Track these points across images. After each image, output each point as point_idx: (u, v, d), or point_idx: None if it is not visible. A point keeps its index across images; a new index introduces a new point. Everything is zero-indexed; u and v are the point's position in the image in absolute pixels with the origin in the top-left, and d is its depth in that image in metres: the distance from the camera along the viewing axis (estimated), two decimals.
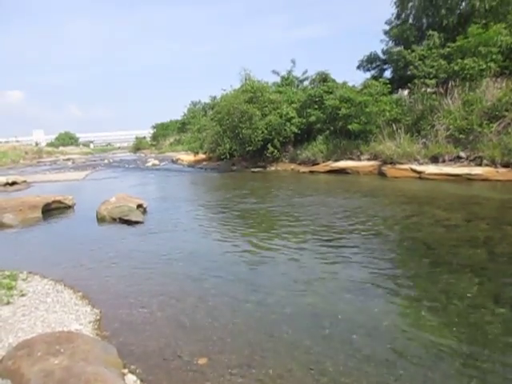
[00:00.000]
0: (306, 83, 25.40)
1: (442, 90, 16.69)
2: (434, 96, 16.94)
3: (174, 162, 32.51)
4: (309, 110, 20.56)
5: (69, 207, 11.24)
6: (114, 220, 9.24)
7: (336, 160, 18.61)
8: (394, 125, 17.17)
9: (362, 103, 17.90)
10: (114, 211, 9.35)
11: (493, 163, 13.48)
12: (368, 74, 22.28)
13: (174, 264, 6.08)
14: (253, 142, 21.35)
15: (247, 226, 8.66)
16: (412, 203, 9.99)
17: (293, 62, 25.92)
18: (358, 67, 22.32)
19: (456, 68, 16.05)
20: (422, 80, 17.01)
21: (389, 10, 37.12)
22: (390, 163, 16.03)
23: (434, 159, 15.18)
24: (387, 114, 17.50)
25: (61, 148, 69.41)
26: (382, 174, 15.89)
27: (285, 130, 20.87)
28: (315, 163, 19.44)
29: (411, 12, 19.87)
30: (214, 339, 3.79)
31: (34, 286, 5.25)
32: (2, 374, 2.86)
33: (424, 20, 19.68)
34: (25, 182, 19.14)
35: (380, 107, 17.53)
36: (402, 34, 19.74)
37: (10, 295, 4.82)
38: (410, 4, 19.56)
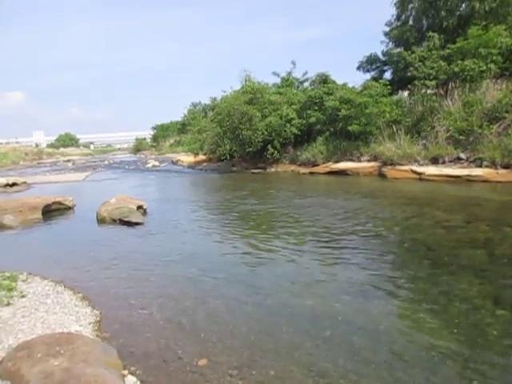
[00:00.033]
0: (306, 84, 25.41)
1: (442, 92, 16.71)
2: (434, 97, 16.94)
3: (174, 163, 32.50)
4: (309, 112, 20.56)
5: (69, 208, 11.24)
6: (114, 221, 9.24)
7: (336, 161, 18.60)
8: (394, 126, 17.17)
9: (362, 104, 17.91)
10: (114, 212, 9.35)
11: (493, 164, 13.48)
12: (368, 75, 22.31)
13: (173, 265, 6.08)
14: (253, 143, 21.36)
15: (247, 227, 8.66)
16: (412, 204, 9.99)
17: (293, 63, 25.96)
18: (358, 68, 22.35)
19: (456, 69, 16.06)
20: (422, 81, 17.01)
21: (389, 12, 37.14)
22: (390, 164, 16.03)
23: (434, 160, 15.18)
24: (387, 115, 17.50)
25: (61, 149, 69.47)
26: (382, 176, 15.89)
27: (285, 131, 20.88)
28: (315, 164, 19.45)
29: (411, 13, 19.88)
30: (213, 340, 3.79)
31: (34, 287, 5.25)
32: (2, 375, 2.86)
33: (424, 21, 19.69)
34: (25, 183, 19.15)
35: (380, 108, 17.53)
36: (402, 35, 19.76)
37: (10, 296, 4.82)
38: (410, 5, 19.58)
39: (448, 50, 16.70)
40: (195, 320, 4.23)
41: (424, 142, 16.11)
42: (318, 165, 19.28)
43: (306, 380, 3.16)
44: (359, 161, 17.97)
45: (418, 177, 14.45)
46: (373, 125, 17.88)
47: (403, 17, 20.25)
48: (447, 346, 3.50)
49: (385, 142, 16.99)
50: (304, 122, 20.78)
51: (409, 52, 18.24)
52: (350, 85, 21.37)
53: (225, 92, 25.33)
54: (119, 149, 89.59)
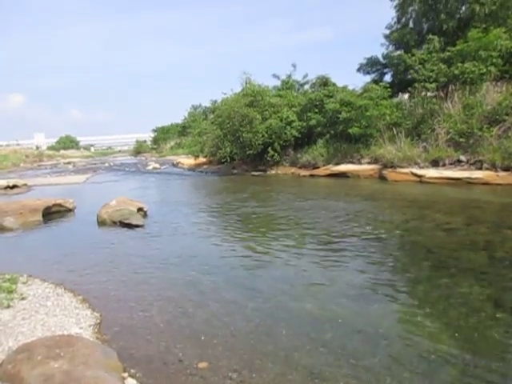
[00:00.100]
0: (306, 87, 25.44)
1: (442, 94, 16.73)
2: (434, 100, 16.97)
3: (175, 165, 32.52)
4: (309, 114, 20.58)
5: (69, 210, 11.25)
6: (114, 223, 9.24)
7: (336, 164, 18.60)
8: (394, 128, 17.19)
9: (362, 107, 17.92)
10: (115, 215, 9.35)
11: (493, 167, 13.49)
12: (368, 78, 22.31)
13: (173, 268, 6.08)
14: (253, 146, 21.36)
15: (247, 230, 8.66)
16: (412, 207, 9.99)
17: (293, 65, 26.00)
18: (358, 70, 22.37)
19: (456, 72, 16.08)
20: (422, 84, 17.03)
21: (389, 15, 37.18)
22: (391, 167, 16.04)
23: (435, 163, 15.19)
24: (387, 117, 17.51)
25: (61, 151, 69.52)
26: (382, 178, 15.90)
27: (285, 133, 20.89)
28: (315, 167, 19.45)
29: (411, 16, 19.93)
30: (214, 343, 3.79)
31: (35, 289, 5.25)
32: (2, 377, 2.86)
33: (424, 24, 19.74)
34: (25, 185, 19.15)
35: (380, 111, 17.54)
36: (402, 38, 19.79)
37: (11, 299, 4.82)
38: (411, 8, 19.62)
39: (448, 53, 16.73)
40: (195, 323, 4.23)
41: (424, 144, 16.12)
42: (318, 167, 19.28)
43: (306, 383, 3.15)
44: (360, 163, 17.97)
45: (418, 179, 14.46)
46: (373, 127, 17.90)
47: (403, 19, 20.29)
48: (447, 349, 3.50)
49: (385, 145, 17.00)
50: (304, 124, 20.80)
51: (409, 55, 18.27)
52: (351, 87, 21.43)
53: (225, 94, 25.37)
54: (120, 151, 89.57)
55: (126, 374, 3.27)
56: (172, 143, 54.01)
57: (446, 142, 15.47)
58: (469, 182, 13.05)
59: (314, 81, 23.95)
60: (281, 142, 21.19)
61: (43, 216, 10.20)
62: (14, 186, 18.44)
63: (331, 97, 20.00)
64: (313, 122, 20.23)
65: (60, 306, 4.69)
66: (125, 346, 3.80)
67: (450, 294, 4.60)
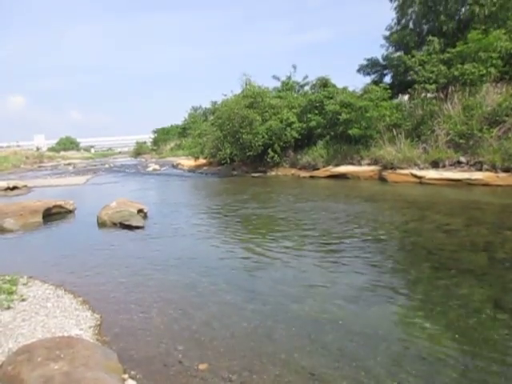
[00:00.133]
0: (306, 88, 25.47)
1: (442, 95, 16.74)
2: (434, 101, 16.99)
3: (175, 166, 32.52)
4: (309, 115, 20.59)
5: (70, 212, 11.25)
6: (114, 225, 9.24)
7: (336, 165, 18.61)
8: (394, 130, 17.21)
9: (362, 108, 17.93)
10: (115, 216, 9.35)
11: (493, 168, 13.50)
12: (368, 79, 22.34)
13: (173, 270, 6.08)
14: (253, 147, 21.37)
15: (247, 231, 8.66)
16: (412, 208, 10.00)
17: (294, 67, 26.03)
18: (358, 71, 22.39)
19: (456, 73, 16.09)
20: (422, 85, 17.05)
21: (389, 16, 37.26)
22: (391, 168, 16.05)
23: (435, 164, 15.20)
24: (387, 119, 17.53)
25: (62, 153, 69.51)
26: (382, 179, 15.90)
27: (285, 134, 20.90)
28: (315, 168, 19.45)
29: (411, 18, 19.96)
30: (214, 345, 3.79)
31: (35, 290, 5.25)
32: (2, 379, 2.86)
33: (424, 26, 19.78)
34: (25, 186, 19.16)
35: (380, 112, 17.56)
36: (402, 39, 19.82)
37: (11, 300, 4.82)
38: (410, 10, 19.65)
39: (448, 54, 16.74)
40: (195, 324, 4.23)
41: (424, 145, 16.13)
42: (318, 168, 19.28)
43: None
44: (359, 165, 17.98)
45: (418, 180, 14.46)
46: (373, 129, 17.91)
47: (403, 21, 20.31)
48: (448, 351, 3.49)
49: (385, 146, 17.01)
50: (304, 125, 20.80)
51: (409, 56, 18.29)
52: (351, 89, 21.44)
53: (225, 96, 25.40)
54: (120, 152, 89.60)
55: (126, 376, 3.27)
56: (172, 144, 54.02)
57: (446, 143, 15.48)
58: (469, 183, 13.05)
59: (314, 82, 23.99)
60: (281, 144, 21.20)
61: (43, 217, 10.19)
62: (15, 188, 18.45)
63: (331, 98, 20.01)
64: (313, 123, 20.24)
65: (60, 308, 4.69)
66: (125, 347, 3.80)
67: (450, 296, 4.60)
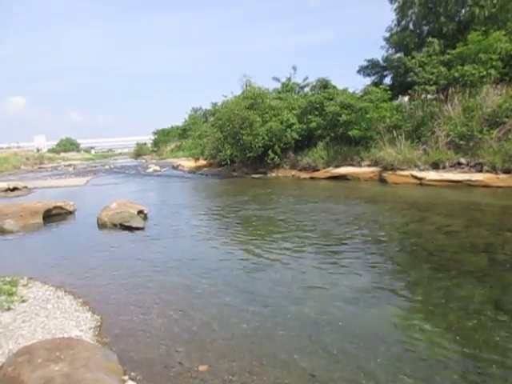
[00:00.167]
0: (306, 89, 25.49)
1: (442, 97, 16.75)
2: (434, 102, 17.00)
3: (175, 168, 32.54)
4: (309, 117, 20.60)
5: (70, 213, 11.25)
6: (114, 226, 9.24)
7: (337, 166, 18.62)
8: (394, 131, 17.21)
9: (362, 109, 17.95)
10: (115, 217, 9.35)
11: (493, 169, 13.49)
12: (368, 80, 22.42)
13: (174, 271, 6.07)
14: (253, 149, 21.38)
15: (247, 232, 8.66)
16: (413, 209, 9.99)
17: (294, 68, 26.06)
18: (359, 72, 22.43)
19: (456, 74, 16.10)
20: (422, 86, 17.06)
21: (389, 17, 37.28)
22: (391, 169, 16.04)
23: (435, 165, 15.19)
24: (387, 120, 17.53)
25: (62, 154, 69.57)
26: (382, 181, 15.90)
27: (285, 136, 20.90)
28: (316, 169, 19.45)
29: (411, 19, 19.99)
30: (214, 346, 3.79)
31: (35, 291, 5.25)
32: (2, 380, 2.86)
33: (424, 27, 19.81)
34: (26, 187, 19.17)
35: (380, 113, 17.56)
36: (402, 40, 19.85)
37: (11, 301, 4.82)
38: (410, 11, 19.67)
39: (448, 56, 16.75)
40: (195, 326, 4.23)
41: (424, 147, 16.13)
42: (318, 170, 19.29)
43: None
44: (360, 166, 17.98)
45: (418, 182, 14.46)
46: (373, 130, 17.92)
47: (403, 22, 20.34)
48: (448, 353, 3.49)
49: (385, 147, 17.01)
50: (304, 127, 20.81)
51: (409, 57, 18.31)
52: (351, 90, 21.47)
53: (225, 97, 25.42)
54: (120, 153, 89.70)
55: (126, 377, 3.27)
56: (172, 146, 54.07)
57: (446, 144, 15.48)
58: (469, 185, 13.05)
59: (314, 83, 24.02)
60: (281, 145, 21.21)
61: (44, 218, 10.20)
62: (15, 189, 18.47)
63: (331, 99, 20.02)
64: (313, 124, 20.25)
65: (60, 309, 4.69)
66: (125, 348, 3.80)
67: (450, 297, 4.60)
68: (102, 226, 9.44)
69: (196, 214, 11.12)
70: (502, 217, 8.99)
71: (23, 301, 4.89)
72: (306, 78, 25.63)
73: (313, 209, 10.75)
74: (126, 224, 9.07)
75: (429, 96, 17.67)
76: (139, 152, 64.44)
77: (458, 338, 3.73)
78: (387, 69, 21.20)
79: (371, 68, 21.89)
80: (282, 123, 20.96)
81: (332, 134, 19.90)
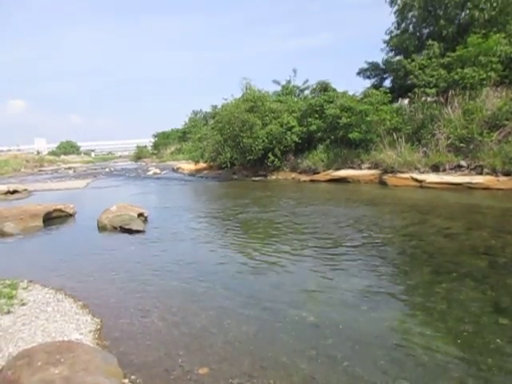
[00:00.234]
0: (306, 92, 25.56)
1: (442, 99, 16.76)
2: (434, 105, 17.00)
3: (175, 170, 32.56)
4: (309, 119, 20.63)
5: (70, 216, 11.25)
6: (114, 229, 9.24)
7: (337, 169, 18.62)
8: (394, 134, 17.21)
9: (362, 112, 17.96)
10: (115, 220, 9.35)
11: (493, 172, 13.49)
12: (368, 82, 22.48)
13: (173, 275, 6.06)
14: (253, 151, 21.40)
15: (247, 236, 8.65)
16: (413, 212, 9.98)
17: (294, 71, 26.14)
18: (358, 74, 22.48)
19: (456, 77, 16.12)
20: (422, 89, 17.08)
21: (389, 20, 37.35)
22: (391, 172, 16.05)
23: (435, 168, 15.20)
24: (388, 122, 17.54)
25: (62, 157, 69.70)
26: (382, 183, 15.90)
27: (285, 138, 20.93)
28: (316, 172, 19.46)
29: (411, 22, 20.02)
30: (214, 349, 3.78)
31: (35, 294, 5.24)
32: (2, 383, 2.85)
33: (424, 30, 19.85)
34: (26, 190, 19.18)
35: (380, 116, 17.58)
36: (402, 43, 19.88)
37: (11, 304, 4.81)
38: (410, 14, 19.71)
39: (448, 58, 16.78)
40: (195, 329, 4.22)
41: (424, 149, 16.13)
42: (318, 172, 19.29)
43: None
44: (360, 168, 17.99)
45: (418, 184, 14.46)
46: (373, 132, 17.93)
47: (403, 25, 20.37)
48: (448, 357, 3.48)
49: (385, 150, 17.02)
50: (305, 129, 20.84)
51: (409, 60, 18.34)
52: (351, 92, 21.48)
53: (226, 100, 25.45)
54: (120, 156, 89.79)
55: (126, 380, 3.26)
56: (172, 148, 54.14)
57: (447, 147, 15.48)
58: (469, 187, 13.05)
59: (314, 86, 24.08)
60: (281, 148, 21.23)
61: (44, 221, 10.20)
62: (15, 192, 18.48)
63: (331, 102, 20.05)
64: (313, 127, 20.27)
65: (60, 312, 4.68)
66: (125, 351, 3.79)
67: (450, 300, 4.59)
68: (102, 228, 9.43)
69: (196, 216, 11.11)
70: (502, 219, 8.98)
71: (23, 304, 4.88)
72: (306, 81, 25.74)
73: (313, 211, 10.74)
74: (126, 227, 9.06)
75: (429, 99, 17.67)
76: (139, 155, 64.54)
77: (458, 341, 3.72)
78: (387, 71, 21.23)
79: (371, 70, 21.93)
80: (282, 126, 20.99)
81: (332, 137, 19.92)
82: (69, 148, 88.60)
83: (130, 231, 8.96)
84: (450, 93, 16.53)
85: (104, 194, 17.75)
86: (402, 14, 20.03)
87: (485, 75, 15.69)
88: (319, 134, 20.44)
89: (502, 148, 13.77)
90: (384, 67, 21.32)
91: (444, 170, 14.91)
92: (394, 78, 20.58)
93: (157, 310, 4.71)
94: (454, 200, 11.63)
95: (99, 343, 3.95)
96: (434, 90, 16.75)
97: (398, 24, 20.56)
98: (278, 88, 26.49)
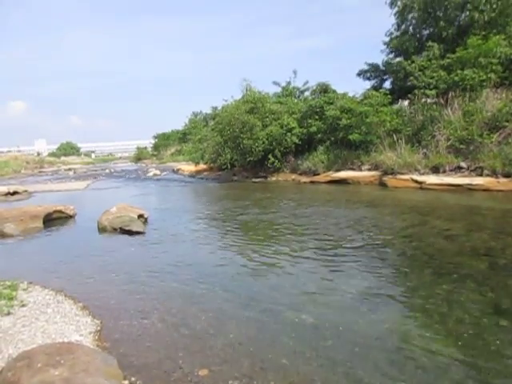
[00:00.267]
0: (306, 94, 25.56)
1: (442, 101, 16.76)
2: (434, 106, 17.01)
3: (175, 172, 32.56)
4: (310, 121, 20.63)
5: (70, 217, 11.25)
6: (115, 230, 9.24)
7: (337, 170, 18.63)
8: (394, 135, 17.22)
9: (362, 114, 17.97)
10: (115, 221, 9.35)
11: (493, 173, 13.50)
12: (368, 83, 22.45)
13: (173, 276, 6.06)
14: (254, 153, 21.40)
15: (247, 237, 8.65)
16: (413, 213, 9.98)
17: (294, 72, 26.15)
18: (359, 74, 22.48)
19: (456, 79, 16.13)
20: (422, 90, 17.09)
21: (389, 22, 37.46)
22: (391, 173, 16.05)
23: (435, 169, 15.20)
24: (388, 124, 17.55)
25: (62, 158, 69.69)
26: (382, 184, 15.90)
27: (285, 140, 20.93)
28: (316, 173, 19.46)
29: (411, 23, 20.03)
30: (214, 350, 3.78)
31: (35, 296, 5.24)
32: None
33: (424, 31, 19.86)
34: (26, 191, 19.18)
35: (380, 118, 17.59)
36: (402, 44, 19.88)
37: (11, 306, 4.81)
38: (410, 15, 19.72)
39: (448, 60, 16.78)
40: (195, 330, 4.22)
41: (424, 151, 16.14)
42: (318, 174, 19.29)
43: None
44: (360, 170, 18.00)
45: (418, 186, 14.45)
46: (373, 134, 17.94)
47: (403, 26, 20.37)
48: (448, 360, 3.48)
49: (385, 151, 17.02)
50: (305, 131, 20.84)
51: (409, 61, 18.35)
52: (351, 94, 21.48)
53: (226, 101, 25.46)
54: (120, 158, 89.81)
55: (126, 382, 3.26)
56: (172, 150, 54.13)
57: (447, 148, 15.48)
58: (469, 189, 13.04)
59: (314, 88, 24.07)
60: (281, 149, 21.23)
61: (44, 222, 10.20)
62: (15, 193, 18.48)
63: (331, 103, 20.06)
64: (313, 128, 20.28)
65: (60, 313, 4.68)
66: (125, 353, 3.79)
67: (450, 302, 4.58)
68: (102, 230, 9.43)
69: (196, 218, 11.11)
70: (502, 221, 8.98)
71: (23, 305, 4.88)
72: (307, 83, 25.75)
73: (313, 213, 10.74)
74: (127, 228, 9.06)
75: (429, 100, 17.68)
76: (139, 156, 64.49)
77: (458, 343, 3.72)
78: (387, 73, 21.23)
79: (371, 72, 21.93)
80: (282, 127, 21.00)
81: (332, 138, 19.92)
82: (69, 149, 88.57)
83: (130, 232, 8.96)
84: (450, 94, 16.54)
85: (104, 196, 17.75)
86: (401, 15, 20.04)
87: (485, 77, 15.71)
88: (319, 136, 20.45)
89: (502, 149, 13.78)
90: (384, 69, 21.31)
91: (444, 172, 14.91)
92: (394, 80, 20.58)
93: (157, 312, 4.71)
94: (454, 201, 11.63)
95: (99, 345, 3.95)
96: (433, 92, 16.77)
97: (398, 25, 20.57)
98: (278, 89, 26.52)
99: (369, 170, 17.66)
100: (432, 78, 16.94)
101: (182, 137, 52.33)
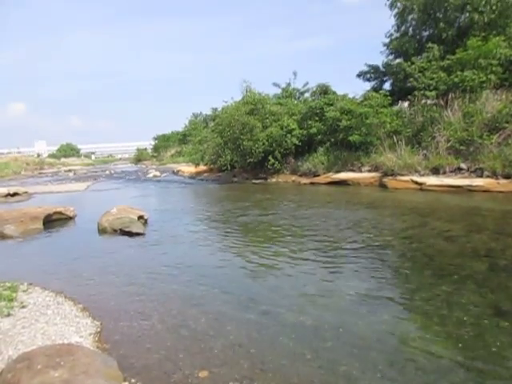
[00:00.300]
0: (306, 95, 25.60)
1: (442, 102, 16.78)
2: (434, 108, 17.04)
3: (175, 173, 32.55)
4: (310, 122, 20.65)
5: (70, 218, 11.25)
6: (115, 231, 9.23)
7: (337, 171, 18.64)
8: (394, 136, 17.24)
9: (362, 115, 17.99)
10: (115, 223, 9.35)
11: (494, 174, 13.50)
12: (368, 85, 22.51)
13: (174, 278, 6.06)
14: (254, 154, 21.41)
15: (247, 239, 8.65)
16: (413, 215, 9.98)
17: (294, 73, 26.20)
18: (359, 75, 22.52)
19: (456, 80, 16.16)
20: (422, 92, 17.12)
21: (389, 23, 37.52)
22: (391, 175, 16.06)
23: (435, 171, 15.21)
24: (388, 125, 17.57)
25: (62, 159, 69.70)
26: (382, 186, 15.90)
27: (286, 141, 20.94)
28: (316, 175, 19.47)
29: (411, 25, 20.08)
30: (214, 352, 3.77)
31: (35, 297, 5.23)
32: None
33: (423, 33, 19.90)
34: (26, 193, 19.17)
35: (380, 119, 17.60)
36: (402, 46, 19.92)
37: (11, 307, 4.80)
38: (410, 17, 19.77)
39: (448, 61, 16.81)
40: (195, 332, 4.21)
41: (424, 152, 16.15)
42: (318, 175, 19.30)
43: None
44: (360, 171, 18.01)
45: (418, 187, 14.46)
46: (373, 135, 17.95)
47: (403, 28, 20.43)
48: (448, 362, 3.47)
49: (385, 153, 17.03)
50: (305, 132, 20.86)
51: (408, 63, 18.38)
52: (351, 95, 21.53)
53: (226, 102, 25.49)
54: (120, 159, 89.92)
55: (126, 383, 3.26)
56: (172, 151, 54.15)
57: (447, 149, 15.50)
58: (469, 190, 13.05)
59: (314, 89, 24.10)
60: (281, 150, 21.24)
61: (44, 224, 10.19)
62: (15, 194, 18.47)
63: (331, 105, 20.09)
64: (313, 130, 20.30)
65: (60, 315, 4.68)
66: (125, 354, 3.78)
67: (451, 303, 4.58)
68: (102, 231, 9.43)
69: (196, 219, 11.11)
70: (502, 222, 8.98)
71: (23, 306, 4.88)
72: (306, 84, 25.80)
73: (313, 214, 10.74)
74: (127, 229, 9.06)
75: (429, 101, 17.71)
76: (139, 157, 64.50)
77: (459, 345, 3.72)
78: (387, 74, 21.26)
79: (371, 73, 21.97)
80: (282, 129, 21.01)
81: (332, 140, 19.94)
82: (69, 150, 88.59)
83: (130, 234, 8.96)
84: (449, 95, 16.56)
85: (104, 197, 17.74)
86: (401, 16, 20.08)
87: (485, 78, 15.73)
88: (319, 137, 20.47)
89: (502, 151, 13.80)
90: (384, 70, 21.35)
91: (444, 173, 14.92)
92: (394, 81, 20.61)
93: (157, 313, 4.71)
94: (454, 202, 11.63)
95: (99, 346, 3.94)
96: (433, 93, 16.79)
97: (398, 27, 20.63)
98: (278, 91, 26.58)
99: (369, 171, 17.68)
100: (432, 79, 16.96)
101: (182, 138, 52.39)
